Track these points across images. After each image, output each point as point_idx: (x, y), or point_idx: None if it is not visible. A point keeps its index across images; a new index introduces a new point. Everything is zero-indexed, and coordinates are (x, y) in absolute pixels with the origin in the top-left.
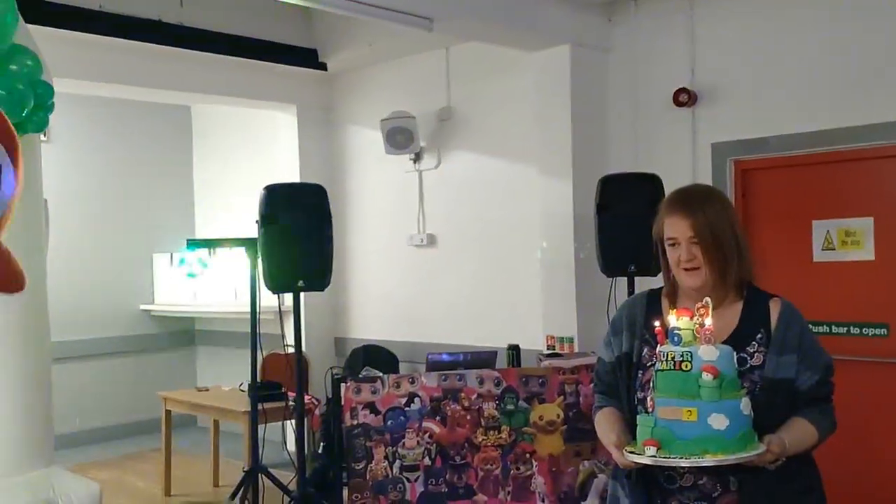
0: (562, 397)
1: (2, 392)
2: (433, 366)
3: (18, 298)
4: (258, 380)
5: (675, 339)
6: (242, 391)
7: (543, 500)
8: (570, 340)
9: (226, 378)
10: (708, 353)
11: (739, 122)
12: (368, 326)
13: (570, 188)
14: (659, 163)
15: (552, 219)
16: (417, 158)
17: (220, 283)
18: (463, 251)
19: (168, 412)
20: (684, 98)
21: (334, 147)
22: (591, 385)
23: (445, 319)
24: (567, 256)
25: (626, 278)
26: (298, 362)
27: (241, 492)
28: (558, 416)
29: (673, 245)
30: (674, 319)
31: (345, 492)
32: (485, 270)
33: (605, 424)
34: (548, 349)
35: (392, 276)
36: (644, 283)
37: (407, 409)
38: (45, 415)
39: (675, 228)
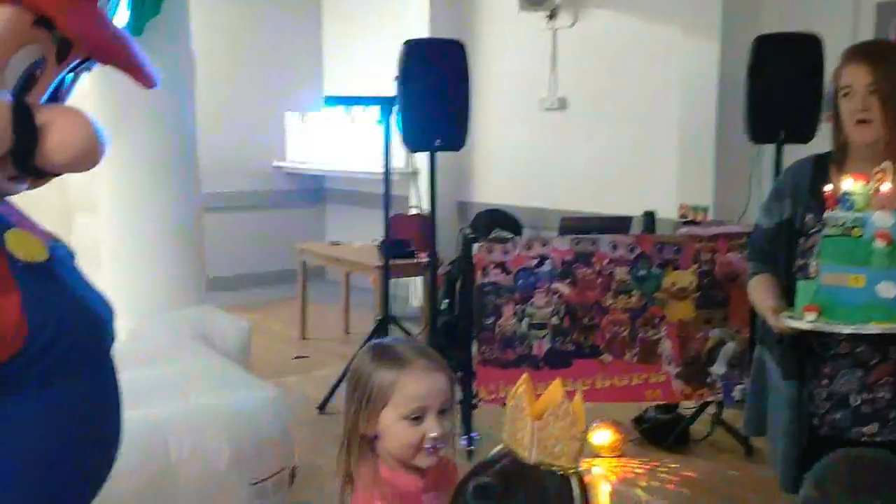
0: (696, 265)
1: (158, 232)
2: (566, 229)
3: (172, 144)
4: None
5: (847, 203)
6: (374, 245)
7: (670, 364)
8: (705, 210)
9: (353, 237)
10: (882, 219)
11: None
12: (493, 191)
13: (717, 49)
14: (816, 24)
15: (694, 82)
16: (552, 16)
17: (349, 143)
18: (595, 115)
19: (304, 263)
20: None
21: (465, 3)
22: (745, 253)
23: (574, 185)
24: (707, 122)
25: (773, 146)
26: (433, 218)
27: (372, 339)
28: (691, 283)
29: (847, 95)
30: (847, 183)
31: (473, 345)
32: (618, 136)
33: (761, 289)
34: (680, 218)
35: (520, 139)
36: (793, 152)
37: (537, 270)
38: (198, 257)
39: (852, 75)
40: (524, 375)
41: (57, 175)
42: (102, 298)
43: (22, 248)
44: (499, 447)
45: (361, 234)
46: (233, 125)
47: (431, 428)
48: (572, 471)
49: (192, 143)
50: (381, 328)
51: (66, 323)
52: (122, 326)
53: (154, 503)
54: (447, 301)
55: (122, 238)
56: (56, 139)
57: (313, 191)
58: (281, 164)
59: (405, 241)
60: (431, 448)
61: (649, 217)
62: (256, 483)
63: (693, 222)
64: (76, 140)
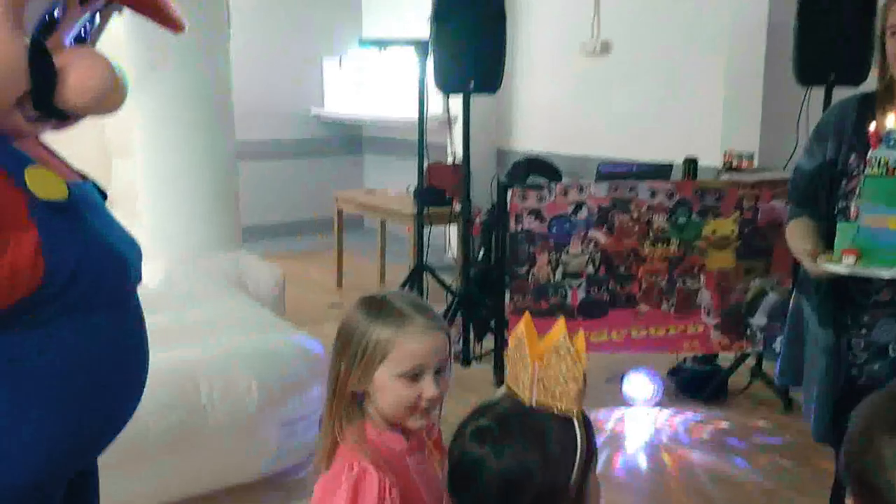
0: (738, 213)
1: (194, 180)
2: (604, 175)
3: (207, 90)
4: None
5: (891, 142)
6: (407, 194)
7: (709, 314)
8: (750, 157)
9: (391, 185)
10: None
11: None
12: (532, 138)
13: None
14: None
15: (742, 23)
16: None
17: (386, 90)
18: (639, 59)
19: (340, 211)
20: None
21: None
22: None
23: (616, 132)
24: (755, 65)
25: (822, 90)
26: (467, 165)
27: (406, 288)
28: (733, 231)
29: (894, 34)
30: (891, 121)
31: (506, 294)
32: (662, 81)
33: (799, 233)
34: (724, 165)
35: (561, 84)
36: (843, 95)
37: (573, 217)
38: (233, 204)
39: None
40: (525, 314)
41: (80, 117)
42: (129, 239)
43: (41, 185)
44: (501, 390)
45: (399, 183)
46: (270, 71)
47: (428, 388)
48: (573, 412)
49: (226, 88)
50: (414, 277)
51: (87, 261)
52: (157, 270)
53: (185, 444)
54: (483, 250)
55: (156, 183)
56: (74, 81)
57: (351, 139)
58: (319, 111)
59: (441, 190)
60: (425, 410)
61: (691, 164)
62: (286, 425)
63: (737, 169)
64: (94, 83)
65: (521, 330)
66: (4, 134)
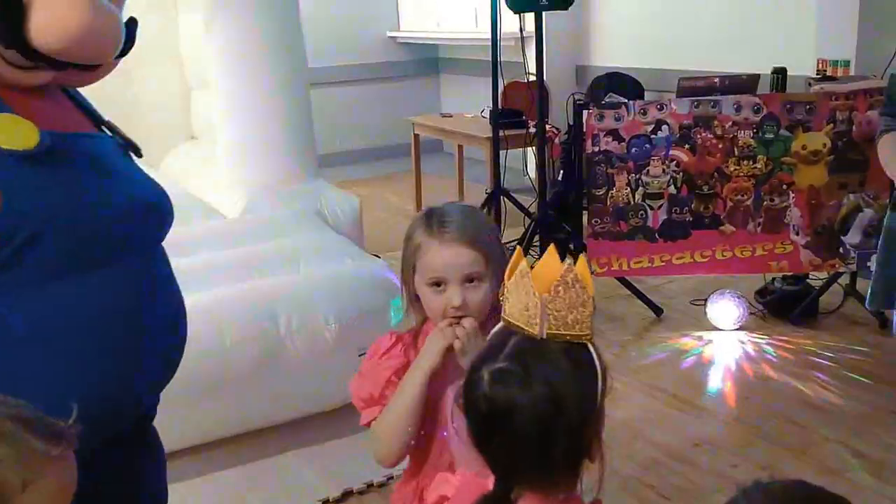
0: (831, 125)
1: (267, 111)
2: (685, 91)
3: (275, 21)
4: (499, 107)
5: None
6: (484, 118)
7: (798, 233)
8: (846, 64)
9: (468, 107)
10: None
11: None
12: (613, 53)
13: None
14: None
15: None
16: None
17: (462, 8)
18: None
19: (416, 136)
20: None
21: None
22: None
23: (701, 43)
24: None
25: None
26: (540, 85)
27: (484, 211)
28: (825, 145)
29: None
30: None
31: (584, 216)
32: None
33: (891, 148)
34: (818, 74)
35: None
36: None
37: (653, 136)
38: (308, 134)
39: None
40: (517, 248)
41: (76, 65)
42: (146, 193)
43: (5, 134)
44: (497, 328)
45: (476, 105)
46: None
47: (451, 297)
48: (587, 337)
49: (296, 15)
50: (491, 201)
51: (62, 215)
52: (237, 201)
53: (266, 373)
54: (563, 172)
55: (231, 114)
56: (42, 17)
57: (427, 61)
58: (395, 34)
59: (518, 111)
60: (453, 317)
61: (780, 74)
62: (362, 354)
63: (830, 78)
64: (64, 22)
65: (520, 264)
66: None
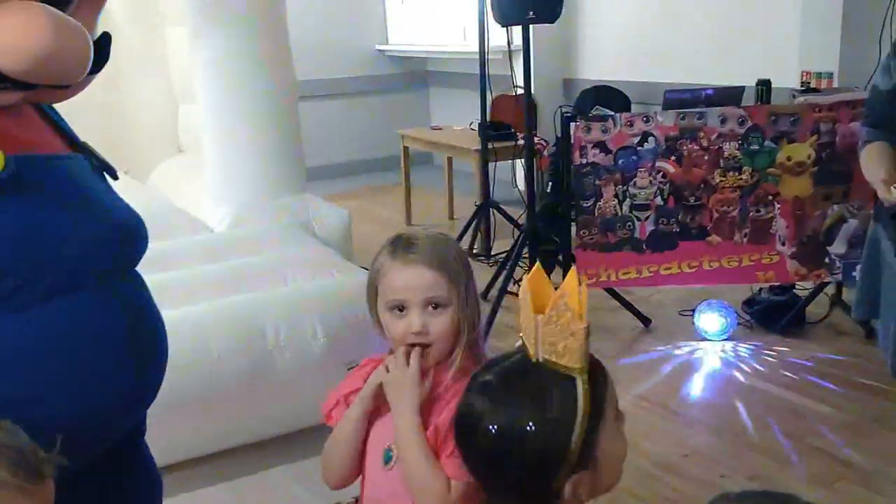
0: (815, 136)
1: (255, 125)
2: (671, 103)
3: (262, 34)
4: (488, 120)
5: None
6: (473, 130)
7: (784, 244)
8: (829, 76)
9: (457, 119)
10: None
11: None
12: (600, 66)
13: None
14: None
15: None
16: None
17: (450, 22)
18: None
19: (406, 149)
20: None
21: None
22: (861, 119)
23: (687, 55)
24: None
25: None
26: (528, 98)
27: (473, 224)
28: (809, 156)
29: None
30: None
31: (573, 228)
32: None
33: (874, 159)
34: (801, 86)
35: (627, 7)
36: None
37: (640, 148)
38: (296, 146)
39: None
40: (536, 265)
41: (45, 86)
42: (121, 217)
43: None
44: (519, 341)
45: (465, 118)
46: (333, 6)
47: (412, 322)
48: (577, 370)
49: (284, 29)
50: (480, 213)
51: (23, 244)
52: (224, 214)
53: (255, 387)
54: (552, 184)
55: (219, 127)
56: (0, 40)
57: (416, 74)
58: (384, 47)
59: (506, 123)
60: (412, 344)
61: (764, 86)
62: (350, 367)
63: (815, 90)
64: (24, 44)
65: (525, 280)
66: None
